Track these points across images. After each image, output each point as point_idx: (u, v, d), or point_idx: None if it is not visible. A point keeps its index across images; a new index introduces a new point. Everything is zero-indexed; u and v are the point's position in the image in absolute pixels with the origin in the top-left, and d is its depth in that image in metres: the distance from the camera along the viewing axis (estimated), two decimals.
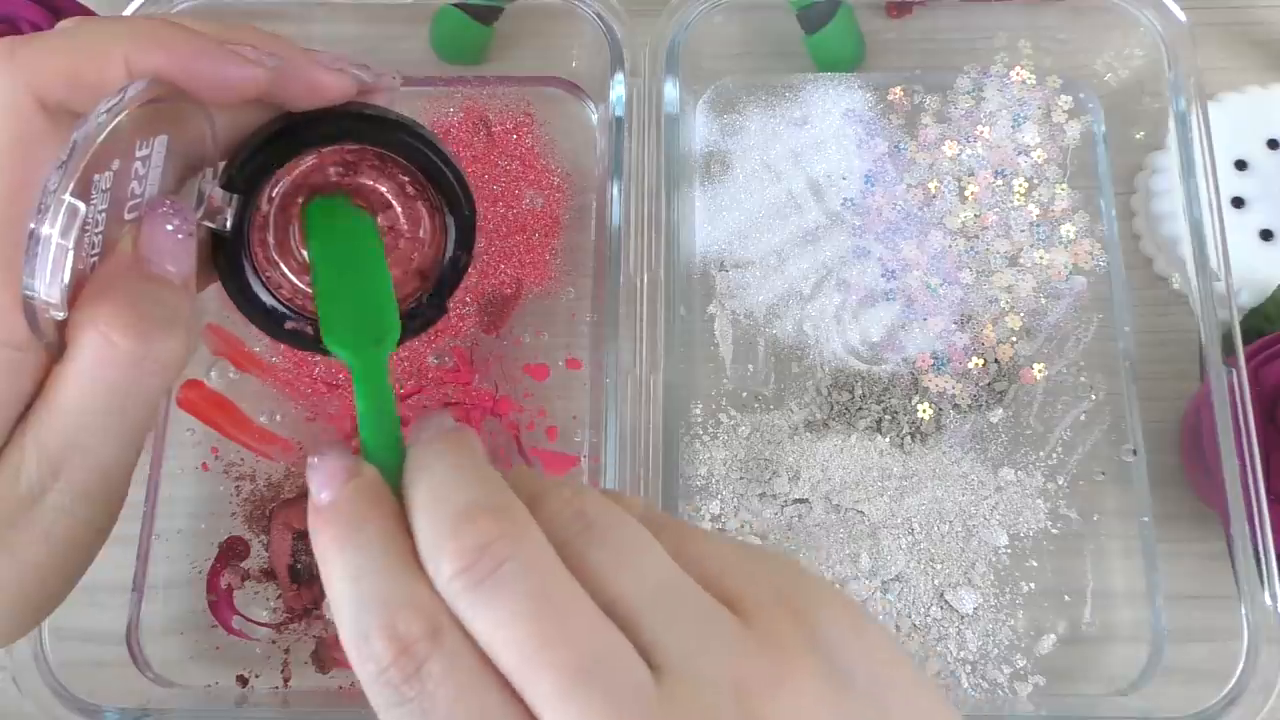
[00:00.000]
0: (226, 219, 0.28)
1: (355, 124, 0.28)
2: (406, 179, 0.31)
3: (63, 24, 0.26)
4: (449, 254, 0.32)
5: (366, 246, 0.29)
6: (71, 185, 0.23)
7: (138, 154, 0.25)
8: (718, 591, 0.23)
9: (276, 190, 0.29)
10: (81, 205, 0.23)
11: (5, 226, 0.24)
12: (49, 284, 0.23)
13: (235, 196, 0.28)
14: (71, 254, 0.23)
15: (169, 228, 0.26)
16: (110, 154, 0.24)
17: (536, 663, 0.21)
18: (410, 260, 0.32)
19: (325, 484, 0.24)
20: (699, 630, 0.23)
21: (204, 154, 0.27)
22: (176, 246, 0.26)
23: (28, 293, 0.23)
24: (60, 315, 0.24)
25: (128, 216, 0.25)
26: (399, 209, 0.31)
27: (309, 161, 0.29)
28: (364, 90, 0.29)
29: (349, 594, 0.23)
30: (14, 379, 0.24)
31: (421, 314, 0.32)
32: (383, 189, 0.31)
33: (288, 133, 0.28)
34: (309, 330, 0.31)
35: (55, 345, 0.25)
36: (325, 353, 0.29)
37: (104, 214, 0.24)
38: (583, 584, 0.23)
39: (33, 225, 0.23)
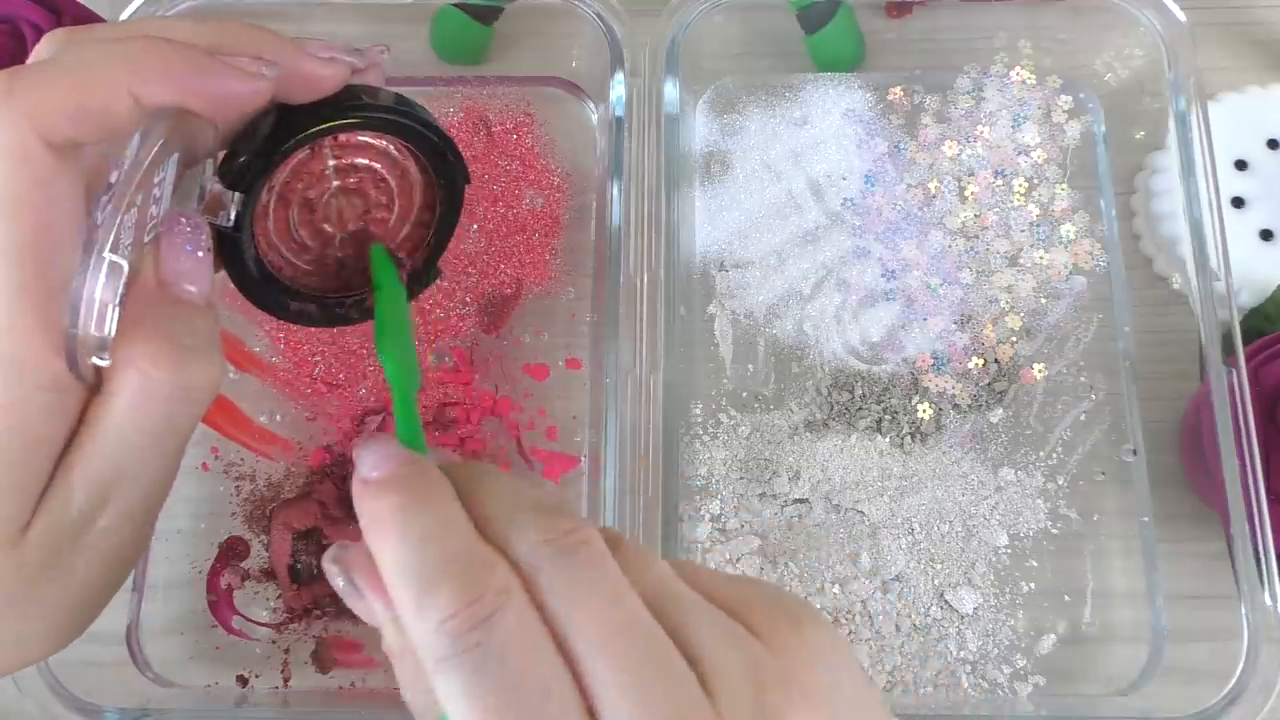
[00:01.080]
0: (230, 215, 0.28)
1: (346, 111, 0.29)
2: (398, 154, 0.32)
3: (50, 47, 0.26)
4: (439, 219, 0.34)
5: (405, 304, 0.32)
6: (110, 240, 0.23)
7: (155, 180, 0.25)
8: (723, 607, 0.24)
9: (276, 180, 0.30)
10: (124, 263, 0.24)
11: (35, 272, 0.24)
12: (95, 337, 0.24)
13: (238, 195, 0.28)
14: (117, 310, 0.24)
15: (187, 248, 0.27)
16: (136, 193, 0.24)
17: (615, 644, 0.22)
18: (402, 228, 0.33)
19: (380, 464, 0.24)
20: (727, 638, 0.23)
21: (204, 151, 0.27)
22: (195, 266, 0.27)
23: (72, 337, 0.24)
24: (105, 363, 0.25)
25: (147, 239, 0.26)
26: (393, 183, 0.32)
27: (305, 151, 0.30)
28: (356, 72, 0.29)
29: (413, 552, 0.23)
30: (56, 419, 0.25)
31: (419, 278, 0.34)
32: (377, 166, 0.32)
33: (283, 126, 0.28)
34: (313, 309, 0.32)
35: (93, 382, 0.25)
36: (332, 325, 0.32)
37: (129, 246, 0.25)
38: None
39: (76, 282, 0.23)
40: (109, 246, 0.23)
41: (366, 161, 0.31)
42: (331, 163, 0.31)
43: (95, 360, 0.24)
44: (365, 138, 0.31)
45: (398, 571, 0.23)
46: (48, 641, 0.28)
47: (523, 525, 0.23)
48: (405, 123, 0.30)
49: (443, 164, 0.32)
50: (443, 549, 0.23)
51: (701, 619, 0.23)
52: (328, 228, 0.31)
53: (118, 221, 0.24)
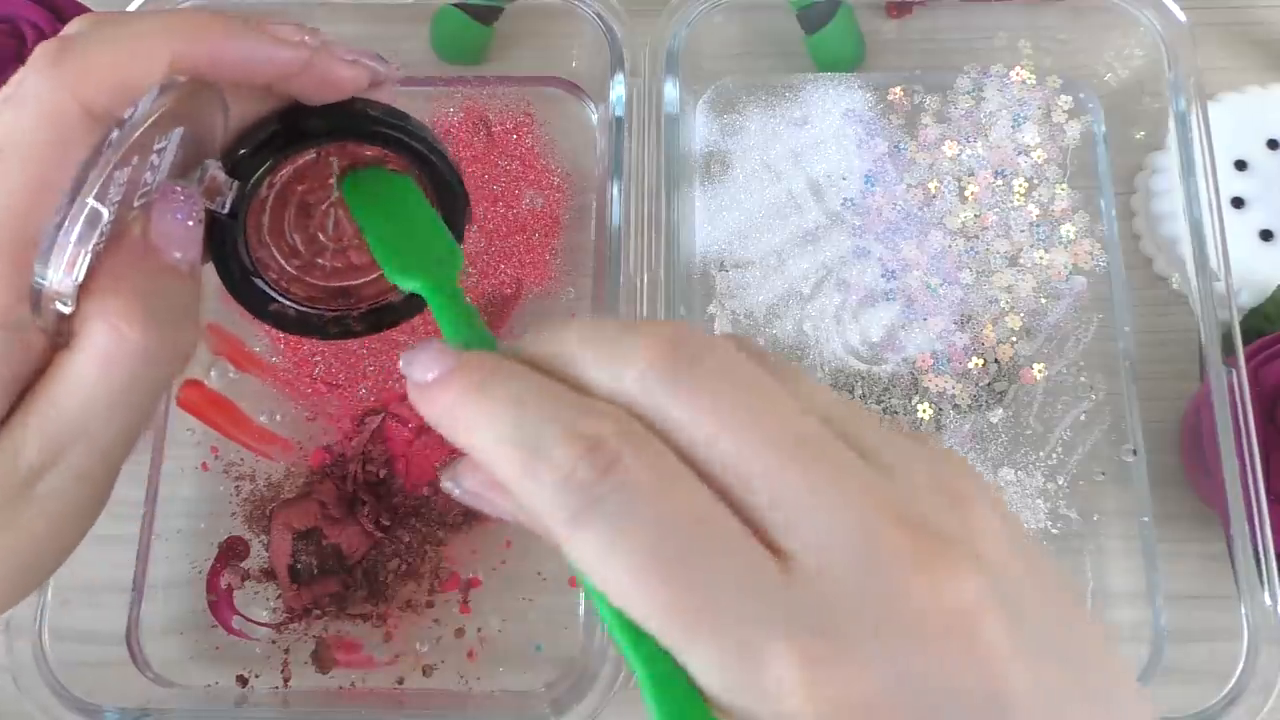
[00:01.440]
0: (226, 201, 0.28)
1: (358, 122, 0.29)
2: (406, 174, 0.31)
3: (97, 21, 0.26)
4: None
5: (408, 197, 0.30)
6: (97, 188, 0.23)
7: (155, 147, 0.25)
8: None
9: (278, 178, 0.30)
10: (104, 211, 0.24)
11: (22, 219, 0.24)
12: (61, 278, 0.24)
13: (237, 183, 0.28)
14: (89, 256, 0.24)
15: (179, 215, 0.26)
16: (132, 152, 0.24)
17: (755, 440, 0.20)
18: None
19: (432, 364, 0.22)
20: (896, 440, 0.22)
21: (213, 140, 0.27)
22: (185, 234, 0.26)
23: (39, 280, 0.24)
24: (68, 309, 0.24)
25: (137, 203, 0.26)
26: None
27: (310, 155, 0.30)
28: (372, 83, 0.29)
29: (505, 423, 0.21)
30: (17, 362, 0.25)
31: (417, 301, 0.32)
32: None
33: (293, 127, 0.28)
34: (290, 313, 0.31)
35: (57, 332, 0.25)
36: (306, 334, 0.31)
37: (117, 204, 0.25)
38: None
39: (55, 220, 0.23)
40: (93, 193, 0.23)
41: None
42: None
43: (58, 305, 0.24)
44: (371, 153, 0.30)
45: (496, 448, 0.21)
46: None
47: (628, 354, 0.21)
48: (420, 150, 0.29)
49: (448, 197, 0.31)
50: (540, 407, 0.21)
51: (876, 426, 0.22)
52: (322, 236, 0.31)
53: (107, 173, 0.23)
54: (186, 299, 0.26)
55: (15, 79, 0.24)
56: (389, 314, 0.32)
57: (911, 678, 0.19)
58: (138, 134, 0.24)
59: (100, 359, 0.25)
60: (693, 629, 0.19)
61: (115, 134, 0.24)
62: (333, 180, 0.30)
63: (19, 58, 0.49)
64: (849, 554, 0.20)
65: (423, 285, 0.27)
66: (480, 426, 0.21)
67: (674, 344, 0.21)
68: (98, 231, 0.24)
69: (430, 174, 0.30)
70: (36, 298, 0.24)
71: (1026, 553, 0.22)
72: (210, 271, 0.29)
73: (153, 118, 0.24)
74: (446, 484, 0.24)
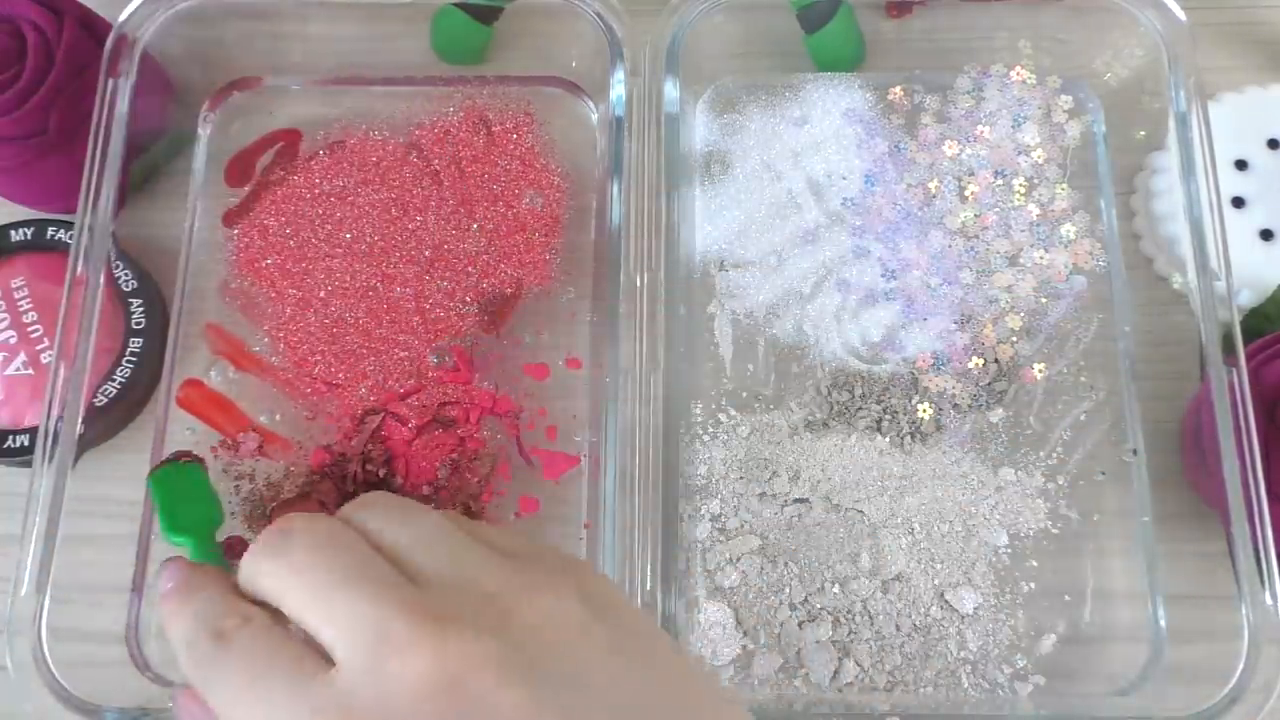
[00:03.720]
0: None
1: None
2: None
3: None
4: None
5: (193, 479, 0.41)
6: None
7: None
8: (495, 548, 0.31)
9: None
10: None
11: None
12: None
13: None
14: None
15: None
16: None
17: (303, 579, 0.29)
18: None
19: (171, 577, 0.33)
20: (459, 557, 0.30)
21: None
22: None
23: None
24: None
25: None
26: None
27: None
28: None
29: (186, 621, 0.31)
30: None
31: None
32: None
33: None
34: None
35: None
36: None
37: None
38: (364, 536, 0.30)
39: None
40: None
41: None
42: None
43: None
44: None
45: (179, 647, 0.31)
46: None
47: (249, 553, 0.31)
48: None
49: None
50: (201, 609, 0.31)
51: (435, 550, 0.31)
52: None
53: None
54: None
55: None
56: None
57: None
58: None
59: None
60: None
61: None
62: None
63: (19, 57, 0.49)
64: (364, 644, 0.27)
65: (188, 540, 0.38)
66: (172, 628, 0.32)
67: (277, 531, 0.31)
68: None
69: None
70: None
71: (572, 621, 0.29)
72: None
73: None
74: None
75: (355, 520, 0.31)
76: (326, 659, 0.28)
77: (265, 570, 0.30)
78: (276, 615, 0.30)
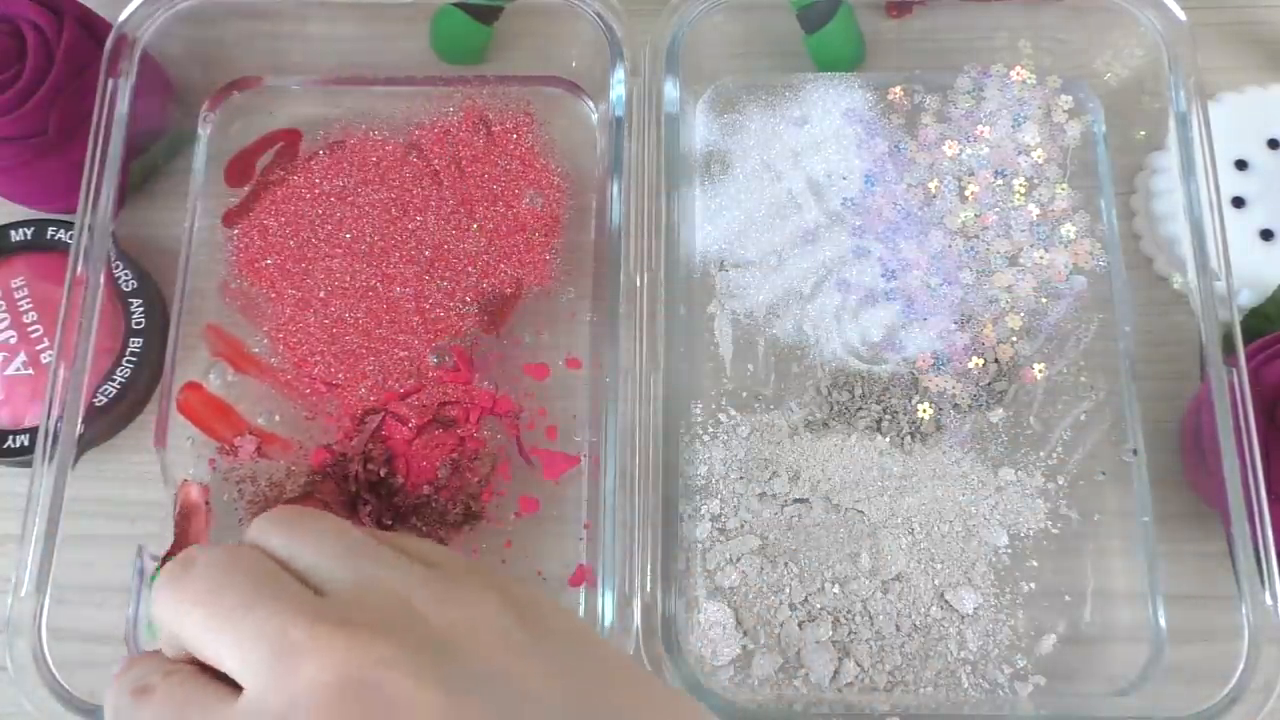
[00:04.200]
0: None
1: None
2: None
3: None
4: None
5: None
6: None
7: None
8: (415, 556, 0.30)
9: None
10: None
11: None
12: None
13: None
14: None
15: None
16: None
17: (204, 609, 0.28)
18: None
19: (125, 668, 0.32)
20: (370, 564, 0.29)
21: None
22: None
23: None
24: None
25: None
26: None
27: None
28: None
29: (114, 689, 0.31)
30: None
31: None
32: None
33: None
34: None
35: None
36: None
37: None
38: (271, 556, 0.30)
39: None
40: None
41: None
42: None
43: None
44: None
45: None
46: None
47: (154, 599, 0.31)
48: None
49: None
50: (133, 673, 0.31)
51: (348, 562, 0.30)
52: None
53: None
54: None
55: None
56: None
57: None
58: None
59: None
60: None
61: None
62: None
63: (19, 57, 0.49)
64: (264, 660, 0.27)
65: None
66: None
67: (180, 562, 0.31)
68: None
69: None
70: None
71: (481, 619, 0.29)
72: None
73: None
74: None
75: (259, 541, 0.31)
76: (238, 689, 0.28)
77: (164, 602, 0.30)
78: (206, 666, 0.29)
